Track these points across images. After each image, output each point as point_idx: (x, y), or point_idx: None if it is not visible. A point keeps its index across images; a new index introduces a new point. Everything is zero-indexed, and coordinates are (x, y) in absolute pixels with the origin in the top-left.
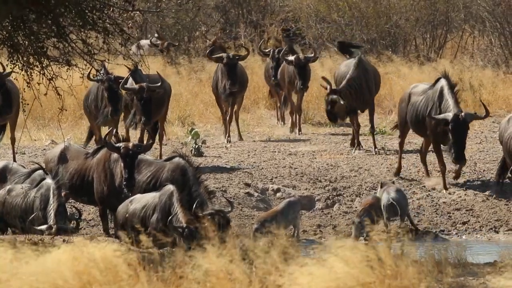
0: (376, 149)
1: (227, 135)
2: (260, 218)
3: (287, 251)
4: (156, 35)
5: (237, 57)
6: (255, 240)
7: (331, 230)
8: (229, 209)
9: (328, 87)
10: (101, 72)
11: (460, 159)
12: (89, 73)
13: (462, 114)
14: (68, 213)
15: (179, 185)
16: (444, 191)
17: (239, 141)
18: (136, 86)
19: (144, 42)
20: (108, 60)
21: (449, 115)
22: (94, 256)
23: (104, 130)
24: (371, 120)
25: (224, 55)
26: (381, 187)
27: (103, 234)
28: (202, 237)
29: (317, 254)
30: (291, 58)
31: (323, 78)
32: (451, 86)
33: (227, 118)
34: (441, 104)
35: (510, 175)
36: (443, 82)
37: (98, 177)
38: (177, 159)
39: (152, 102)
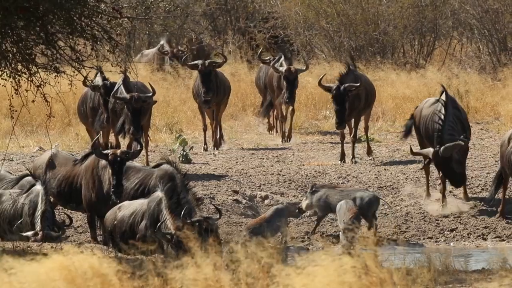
0: (354, 159)
1: (213, 142)
2: (248, 226)
3: (273, 258)
4: (163, 42)
5: (213, 64)
6: (243, 247)
7: (319, 237)
8: (217, 216)
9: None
10: (93, 80)
11: (456, 185)
12: (85, 79)
13: (441, 150)
14: (58, 220)
15: (167, 192)
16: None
17: (220, 147)
18: (127, 96)
19: (148, 52)
20: (97, 67)
21: (430, 151)
22: (82, 264)
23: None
24: (355, 129)
25: (199, 62)
26: (316, 190)
27: (91, 241)
28: (190, 244)
29: (306, 261)
30: (282, 68)
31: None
32: (447, 106)
33: (213, 125)
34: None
35: None
36: (442, 100)
37: (86, 184)
38: (165, 166)
39: (142, 112)
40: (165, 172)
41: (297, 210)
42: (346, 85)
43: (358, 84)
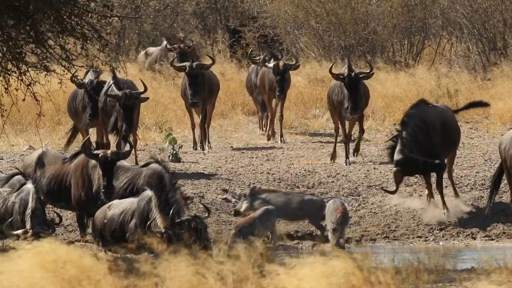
0: (348, 159)
1: (206, 142)
2: (237, 225)
3: (262, 258)
4: (165, 41)
5: (200, 67)
6: (232, 246)
7: (308, 236)
8: (206, 215)
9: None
10: (83, 78)
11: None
12: (73, 76)
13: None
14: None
15: (156, 191)
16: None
17: (209, 149)
18: (119, 93)
19: (153, 50)
20: (87, 65)
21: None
22: (71, 263)
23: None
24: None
25: (187, 64)
26: (256, 194)
27: (81, 240)
28: (180, 243)
29: (294, 261)
30: (271, 64)
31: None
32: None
33: (200, 124)
34: None
35: None
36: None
37: (76, 183)
38: (153, 165)
39: (133, 109)
40: (153, 171)
41: (232, 213)
42: (357, 71)
43: (369, 71)
